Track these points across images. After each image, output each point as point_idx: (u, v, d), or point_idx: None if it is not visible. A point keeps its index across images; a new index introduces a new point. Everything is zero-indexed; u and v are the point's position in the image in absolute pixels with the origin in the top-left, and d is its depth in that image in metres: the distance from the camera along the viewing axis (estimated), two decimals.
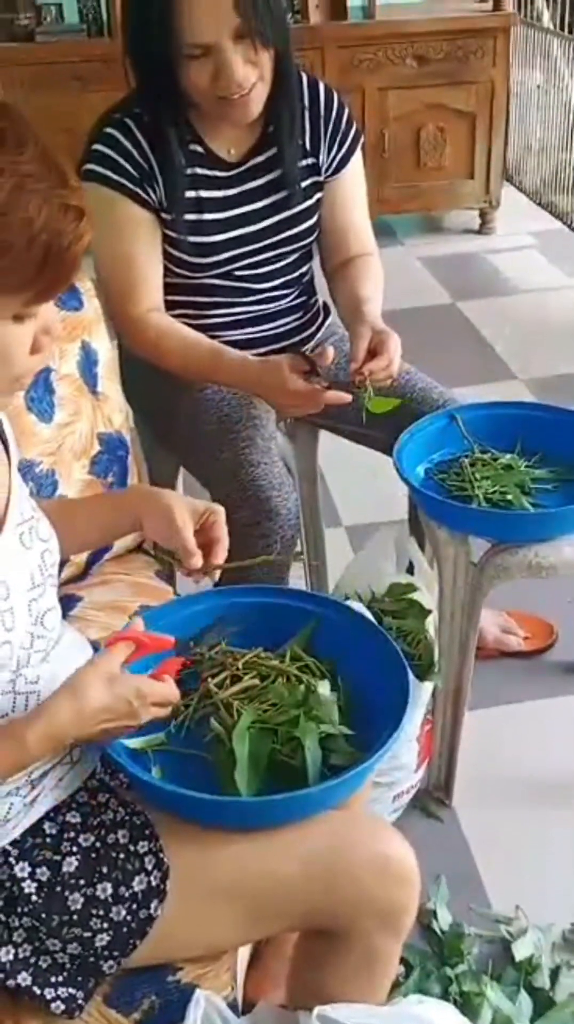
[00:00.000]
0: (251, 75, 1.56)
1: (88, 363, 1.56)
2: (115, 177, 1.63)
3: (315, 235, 1.83)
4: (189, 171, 1.66)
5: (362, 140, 1.83)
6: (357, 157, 1.83)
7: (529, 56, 4.66)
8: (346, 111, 1.79)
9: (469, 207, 4.31)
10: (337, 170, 1.79)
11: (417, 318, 3.53)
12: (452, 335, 3.50)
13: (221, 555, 1.20)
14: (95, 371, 1.57)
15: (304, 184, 1.75)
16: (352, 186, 1.83)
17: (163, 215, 1.66)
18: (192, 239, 1.69)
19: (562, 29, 4.36)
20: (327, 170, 1.78)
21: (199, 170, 1.67)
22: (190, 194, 1.67)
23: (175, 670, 1.10)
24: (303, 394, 1.60)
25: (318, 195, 1.78)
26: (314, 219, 1.79)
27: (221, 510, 1.22)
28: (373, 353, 1.61)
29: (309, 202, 1.77)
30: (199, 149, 1.67)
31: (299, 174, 1.73)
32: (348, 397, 1.59)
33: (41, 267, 0.91)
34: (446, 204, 4.31)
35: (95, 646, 1.23)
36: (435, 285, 3.88)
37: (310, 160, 1.76)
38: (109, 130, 1.64)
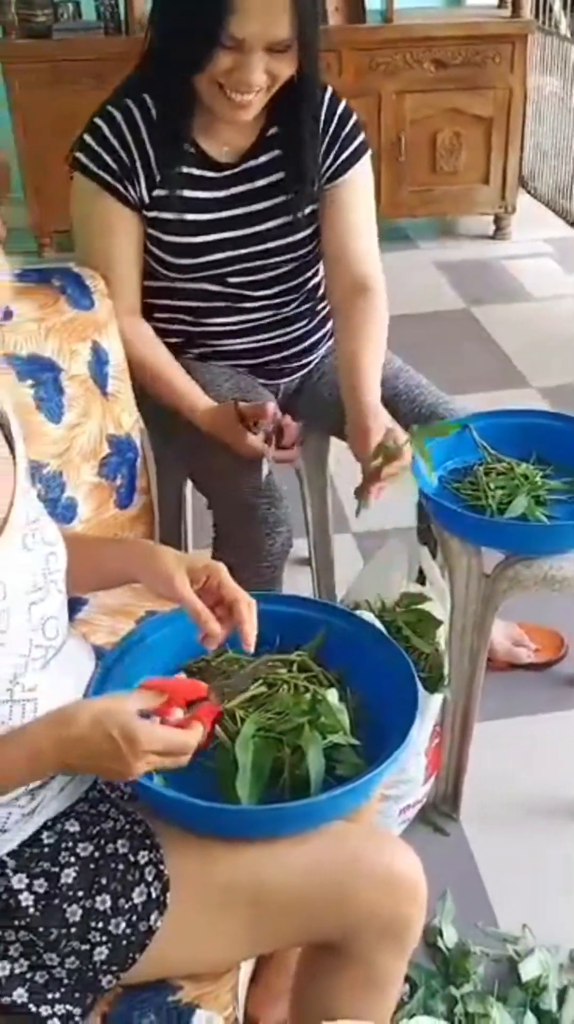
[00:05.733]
0: (260, 83, 1.53)
1: (98, 363, 1.54)
2: (96, 171, 1.61)
3: (314, 244, 1.75)
4: (174, 169, 1.62)
5: (369, 152, 1.73)
6: (360, 171, 1.72)
7: (546, 63, 4.63)
8: (352, 119, 1.70)
9: (484, 212, 4.28)
10: (333, 178, 1.70)
11: (430, 322, 3.51)
12: (465, 341, 3.47)
13: (248, 617, 1.11)
14: (105, 371, 1.55)
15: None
16: (353, 201, 1.72)
17: (145, 212, 1.64)
18: (173, 239, 1.66)
19: None
20: (323, 176, 1.69)
21: (186, 169, 1.63)
22: (175, 192, 1.63)
23: (210, 719, 1.02)
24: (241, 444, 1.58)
25: (315, 205, 1.71)
26: (309, 230, 1.73)
27: (220, 567, 1.13)
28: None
29: (299, 213, 1.69)
30: (191, 149, 1.64)
31: (308, 180, 1.67)
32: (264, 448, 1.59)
33: None
34: (461, 209, 4.28)
35: (99, 653, 1.20)
36: (449, 290, 3.85)
37: None
38: (97, 120, 1.62)
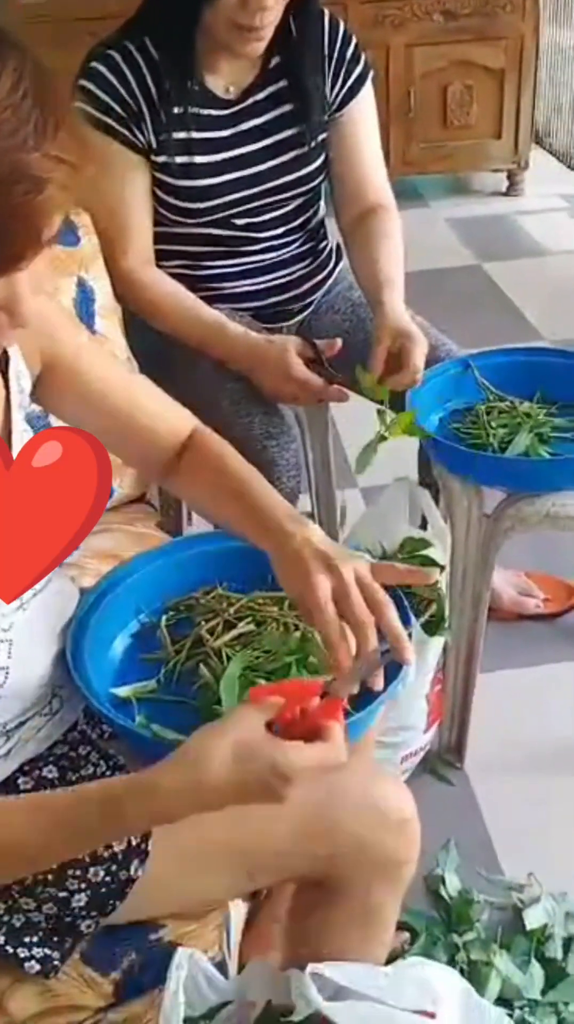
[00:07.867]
0: (276, 8, 1.49)
1: (85, 301, 1.50)
2: (102, 117, 1.54)
3: (321, 178, 1.73)
4: (179, 110, 1.57)
5: (371, 75, 1.71)
6: (366, 96, 1.71)
7: (560, 15, 4.52)
8: (353, 43, 1.68)
9: (497, 169, 4.20)
10: (341, 106, 1.68)
11: (442, 279, 3.45)
12: (478, 297, 3.41)
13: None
14: (92, 309, 1.51)
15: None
16: (362, 128, 1.72)
17: (152, 158, 1.58)
18: (183, 183, 1.61)
19: None
20: (331, 106, 1.68)
21: (191, 109, 1.58)
22: (180, 135, 1.58)
23: (336, 714, 0.88)
24: (304, 384, 1.55)
25: (323, 135, 1.69)
26: (319, 161, 1.70)
27: (363, 567, 0.98)
28: (394, 355, 1.52)
29: (313, 142, 1.67)
30: (195, 87, 1.59)
31: (318, 108, 1.64)
32: (348, 397, 1.56)
33: None
34: (473, 165, 4.19)
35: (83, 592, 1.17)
36: (461, 247, 3.78)
37: None
38: (95, 65, 1.55)
